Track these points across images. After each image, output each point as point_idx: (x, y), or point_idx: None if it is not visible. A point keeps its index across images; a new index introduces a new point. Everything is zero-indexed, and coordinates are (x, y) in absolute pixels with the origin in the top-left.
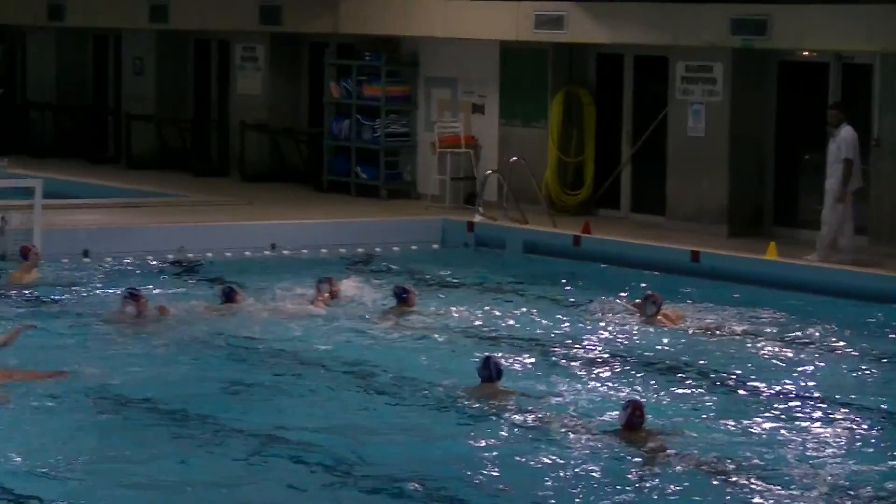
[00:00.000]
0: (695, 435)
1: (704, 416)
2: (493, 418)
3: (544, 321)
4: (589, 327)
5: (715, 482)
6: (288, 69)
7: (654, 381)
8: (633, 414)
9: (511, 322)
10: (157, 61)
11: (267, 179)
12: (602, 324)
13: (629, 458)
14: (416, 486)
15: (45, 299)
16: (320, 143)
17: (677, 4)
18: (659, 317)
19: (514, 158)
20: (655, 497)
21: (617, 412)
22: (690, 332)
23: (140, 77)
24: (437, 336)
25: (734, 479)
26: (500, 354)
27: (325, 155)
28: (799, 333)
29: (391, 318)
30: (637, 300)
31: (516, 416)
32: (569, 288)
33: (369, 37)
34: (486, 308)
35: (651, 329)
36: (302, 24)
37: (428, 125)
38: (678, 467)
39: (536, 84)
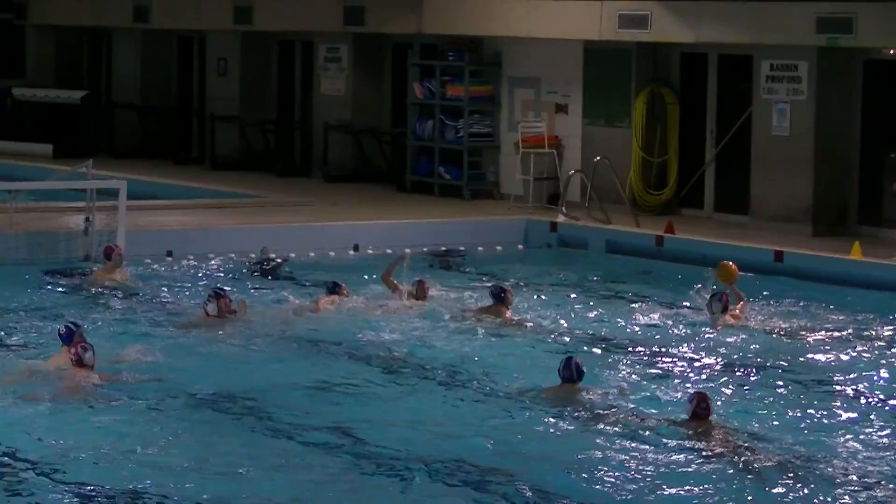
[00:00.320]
0: (760, 428)
1: (777, 413)
2: (572, 417)
3: (625, 321)
4: (669, 327)
5: (782, 476)
6: (371, 70)
7: (732, 380)
8: (699, 405)
9: (593, 322)
10: (242, 62)
11: (350, 180)
12: (682, 323)
13: (694, 449)
14: (502, 482)
15: (129, 299)
16: (403, 143)
17: (762, 3)
18: (726, 316)
19: (598, 158)
20: (721, 488)
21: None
22: (771, 331)
23: (224, 78)
24: (518, 335)
25: (801, 474)
26: (580, 354)
27: (409, 155)
28: (883, 333)
29: (486, 316)
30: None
31: (594, 415)
32: (651, 288)
33: (453, 37)
34: (569, 308)
35: (731, 329)
36: (385, 25)
37: (511, 125)
38: (744, 459)
39: (620, 83)
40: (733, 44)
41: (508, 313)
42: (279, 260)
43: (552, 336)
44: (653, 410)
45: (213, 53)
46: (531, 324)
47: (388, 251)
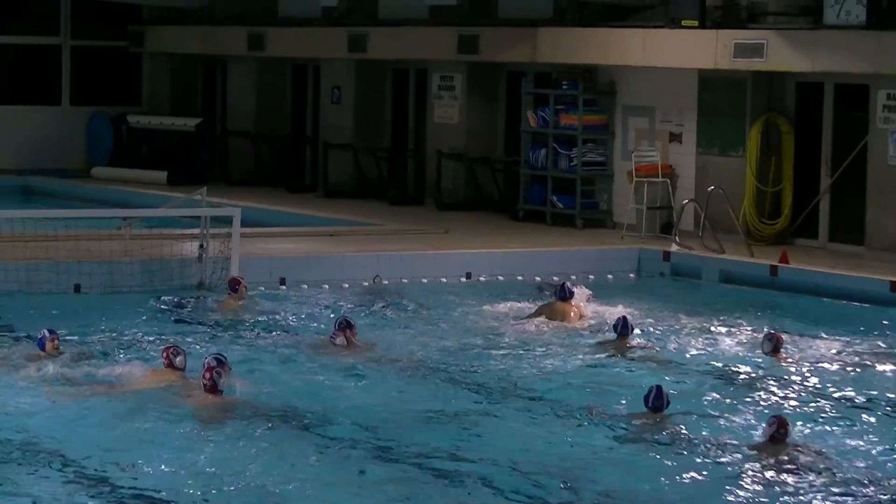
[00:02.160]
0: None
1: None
2: (654, 444)
3: (737, 350)
4: (774, 358)
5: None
6: (485, 98)
7: (833, 415)
8: (778, 431)
9: (705, 351)
10: (356, 90)
11: (463, 208)
12: (792, 355)
13: (768, 471)
14: None
15: (247, 326)
16: (516, 171)
17: (879, 32)
18: (779, 355)
19: (712, 187)
20: None
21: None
22: (876, 367)
23: (338, 106)
24: (626, 363)
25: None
26: (691, 384)
27: (521, 184)
28: None
29: (607, 349)
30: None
31: (673, 441)
32: (765, 318)
33: (567, 66)
34: (682, 337)
35: (834, 362)
36: (499, 54)
37: (625, 154)
38: (819, 484)
39: (735, 112)
40: (850, 73)
41: (629, 342)
42: (389, 287)
43: (660, 365)
44: (734, 436)
45: (328, 81)
46: (635, 353)
47: (500, 278)
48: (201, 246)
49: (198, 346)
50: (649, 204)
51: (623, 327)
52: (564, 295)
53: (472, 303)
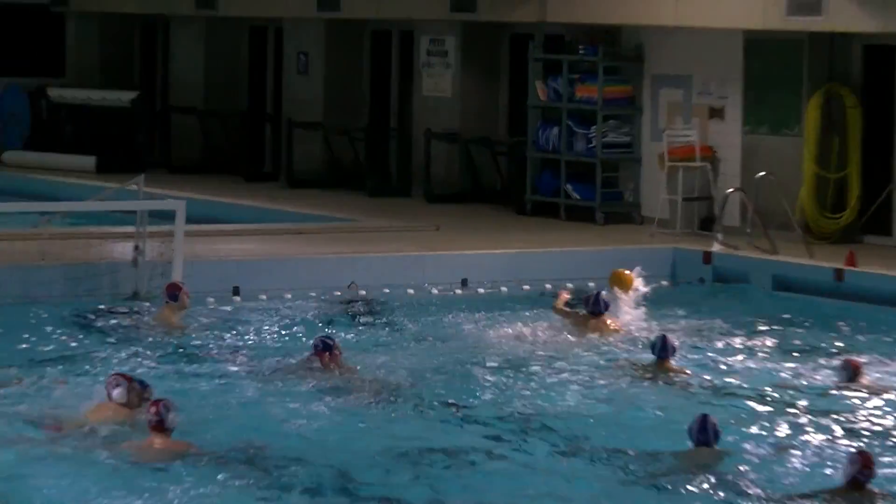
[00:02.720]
0: None
1: None
2: (706, 487)
3: (792, 373)
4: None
5: None
6: (484, 66)
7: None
8: (861, 471)
9: (754, 374)
10: (326, 57)
11: (457, 200)
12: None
13: None
14: None
15: (193, 346)
16: (523, 155)
17: None
18: (861, 381)
19: (762, 174)
20: None
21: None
22: None
23: (305, 76)
24: (661, 388)
25: None
26: (737, 411)
27: (529, 170)
28: None
29: (644, 373)
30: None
31: (732, 483)
32: (828, 333)
33: (583, 26)
34: (726, 357)
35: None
36: (501, 12)
37: (655, 134)
38: None
39: (789, 83)
40: None
41: (670, 366)
42: (367, 297)
43: (702, 389)
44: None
45: (292, 47)
46: (688, 378)
47: (504, 288)
48: (137, 247)
49: (137, 370)
50: (685, 194)
51: (662, 349)
52: (598, 309)
53: (469, 316)
